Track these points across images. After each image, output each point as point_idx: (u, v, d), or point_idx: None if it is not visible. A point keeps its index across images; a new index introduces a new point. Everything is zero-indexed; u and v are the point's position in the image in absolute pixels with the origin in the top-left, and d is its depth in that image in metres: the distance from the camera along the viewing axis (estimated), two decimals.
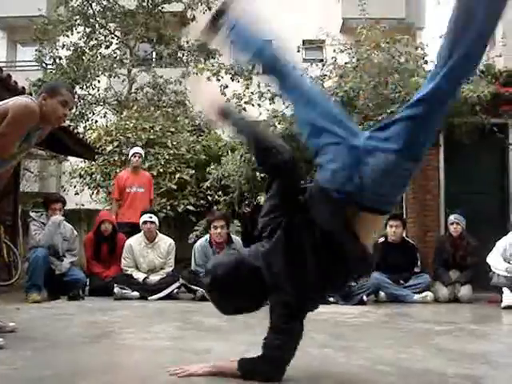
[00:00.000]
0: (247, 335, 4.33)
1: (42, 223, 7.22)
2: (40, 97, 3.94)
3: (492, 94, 7.99)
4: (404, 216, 9.15)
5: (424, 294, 7.41)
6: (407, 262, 7.68)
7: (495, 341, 4.71)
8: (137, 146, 10.15)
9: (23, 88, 7.55)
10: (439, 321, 5.73)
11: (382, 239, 7.77)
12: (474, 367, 3.30)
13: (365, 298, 6.97)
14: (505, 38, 14.98)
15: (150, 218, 7.71)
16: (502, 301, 6.85)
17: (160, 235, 7.88)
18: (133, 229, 8.18)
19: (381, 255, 7.56)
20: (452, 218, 7.90)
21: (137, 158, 8.96)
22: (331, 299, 6.77)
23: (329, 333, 4.54)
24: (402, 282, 7.54)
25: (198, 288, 7.17)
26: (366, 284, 7.10)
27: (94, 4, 18.19)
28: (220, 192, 10.49)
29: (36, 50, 18.43)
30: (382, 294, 7.41)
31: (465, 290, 7.50)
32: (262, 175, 8.57)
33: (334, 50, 9.36)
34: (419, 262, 7.77)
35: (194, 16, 19.33)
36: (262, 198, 9.63)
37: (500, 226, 9.05)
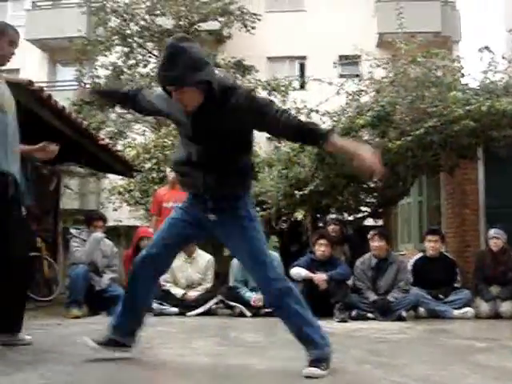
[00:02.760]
0: (286, 350, 4.33)
1: (83, 240, 7.33)
2: None
3: None
4: (442, 231, 9.03)
5: (464, 309, 7.29)
6: (447, 277, 7.58)
7: None
8: None
9: (63, 107, 7.69)
10: (480, 337, 5.63)
11: (420, 254, 7.68)
12: None
13: (404, 313, 6.88)
14: None
15: None
16: None
17: (199, 251, 7.91)
18: None
19: (419, 270, 7.50)
20: (492, 232, 7.77)
21: (174, 174, 9.01)
22: (370, 315, 6.72)
23: (367, 349, 4.51)
24: (441, 297, 7.43)
25: (236, 304, 7.20)
26: (405, 299, 7.03)
27: (131, 24, 18.53)
28: (257, 208, 10.50)
29: (76, 70, 18.80)
30: (421, 309, 7.30)
31: (506, 306, 7.35)
32: (301, 193, 8.54)
33: (371, 65, 9.34)
34: (459, 277, 7.67)
35: (230, 34, 19.54)
36: (299, 215, 9.61)
37: None
